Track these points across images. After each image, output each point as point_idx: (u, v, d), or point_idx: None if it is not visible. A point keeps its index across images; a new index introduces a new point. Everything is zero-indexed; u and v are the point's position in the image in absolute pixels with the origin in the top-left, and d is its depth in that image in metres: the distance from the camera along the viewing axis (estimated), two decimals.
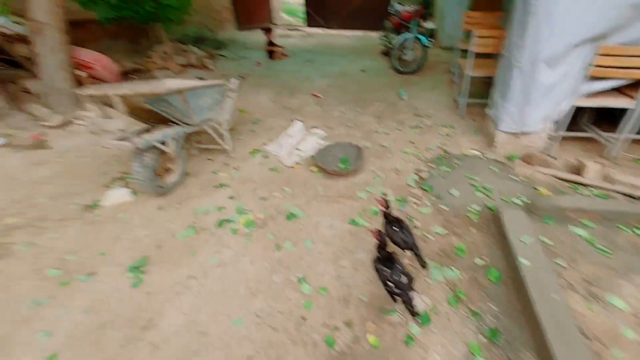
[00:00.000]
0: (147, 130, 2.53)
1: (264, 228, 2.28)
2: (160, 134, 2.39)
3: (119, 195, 2.56)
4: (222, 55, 7.15)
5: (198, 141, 3.27)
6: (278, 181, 2.79)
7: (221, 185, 2.74)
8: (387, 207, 1.78)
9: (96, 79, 4.57)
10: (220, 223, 2.32)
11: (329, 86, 5.08)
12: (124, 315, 1.72)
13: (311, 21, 10.09)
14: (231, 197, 2.60)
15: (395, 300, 1.60)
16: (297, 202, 2.53)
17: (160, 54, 6.25)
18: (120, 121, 3.86)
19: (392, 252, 1.60)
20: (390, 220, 1.76)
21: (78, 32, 4.49)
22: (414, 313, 1.54)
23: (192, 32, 7.78)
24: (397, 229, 1.72)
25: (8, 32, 3.82)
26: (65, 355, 1.55)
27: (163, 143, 2.45)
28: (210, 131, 2.98)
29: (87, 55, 4.35)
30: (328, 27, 9.86)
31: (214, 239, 2.20)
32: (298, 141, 3.23)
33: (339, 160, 3.01)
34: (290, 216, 2.37)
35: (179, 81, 3.00)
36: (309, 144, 3.19)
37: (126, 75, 5.44)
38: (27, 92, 3.96)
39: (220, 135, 3.07)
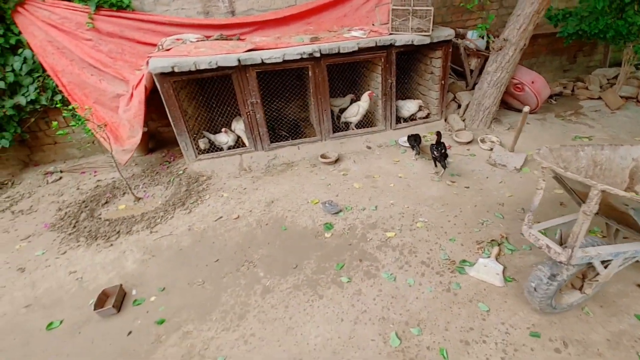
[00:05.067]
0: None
1: None
2: (614, 249, 1.49)
3: (488, 273, 2.04)
4: None
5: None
6: None
7: None
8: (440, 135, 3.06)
9: (523, 103, 4.11)
10: None
11: None
12: None
13: None
14: None
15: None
16: None
17: (600, 79, 4.75)
18: (522, 157, 3.24)
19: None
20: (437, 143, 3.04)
21: None
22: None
23: None
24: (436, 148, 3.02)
25: (471, 45, 4.03)
26: None
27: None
28: None
29: (527, 76, 3.89)
30: None
31: None
32: None
33: None
34: None
35: None
36: None
37: (549, 98, 4.60)
38: (457, 102, 4.18)
39: None
